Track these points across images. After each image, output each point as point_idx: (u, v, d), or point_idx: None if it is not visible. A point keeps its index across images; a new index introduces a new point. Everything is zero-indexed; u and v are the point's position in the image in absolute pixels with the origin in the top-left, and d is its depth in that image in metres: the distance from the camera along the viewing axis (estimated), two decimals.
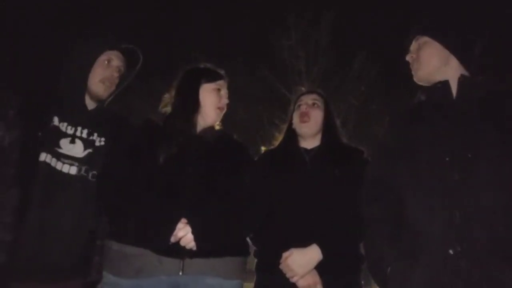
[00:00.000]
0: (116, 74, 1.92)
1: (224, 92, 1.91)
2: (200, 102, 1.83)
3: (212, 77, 1.89)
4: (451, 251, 1.44)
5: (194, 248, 1.58)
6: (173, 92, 1.89)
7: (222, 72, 1.94)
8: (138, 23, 11.43)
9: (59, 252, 1.69)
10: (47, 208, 1.70)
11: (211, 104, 1.85)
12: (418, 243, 1.51)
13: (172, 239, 1.57)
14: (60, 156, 1.76)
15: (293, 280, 1.79)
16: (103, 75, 1.88)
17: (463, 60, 1.67)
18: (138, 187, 1.63)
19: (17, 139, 1.71)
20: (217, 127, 1.92)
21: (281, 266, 1.81)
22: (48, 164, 1.73)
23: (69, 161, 1.77)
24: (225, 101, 1.89)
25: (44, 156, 1.73)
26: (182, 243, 1.58)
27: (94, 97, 1.89)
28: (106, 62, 1.89)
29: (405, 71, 1.79)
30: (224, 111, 1.92)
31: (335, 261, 1.79)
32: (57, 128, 1.79)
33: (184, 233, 1.58)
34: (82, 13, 10.87)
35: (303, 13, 12.26)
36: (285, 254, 1.81)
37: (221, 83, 1.91)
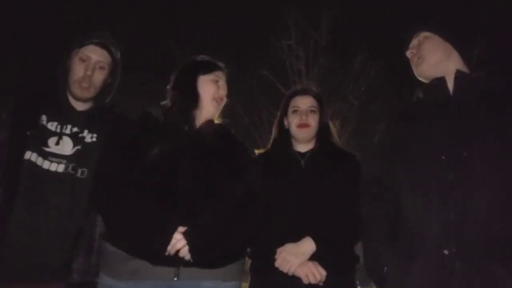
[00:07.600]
0: (91, 72, 1.81)
1: (222, 83, 1.84)
2: (199, 96, 1.78)
3: (209, 68, 1.83)
4: (446, 252, 1.44)
5: (192, 260, 1.53)
6: (171, 85, 1.83)
7: (220, 63, 1.88)
8: (138, 20, 11.39)
9: (44, 251, 1.65)
10: (32, 207, 1.67)
11: (208, 96, 1.78)
12: (415, 243, 1.51)
13: (169, 249, 1.51)
14: (47, 155, 1.72)
15: (291, 271, 1.75)
16: (77, 75, 1.81)
17: (463, 54, 1.67)
18: (133, 190, 1.57)
19: (5, 139, 1.68)
20: (216, 121, 1.86)
21: (277, 263, 1.78)
22: (34, 163, 1.69)
23: (57, 159, 1.73)
24: (222, 92, 1.83)
25: (29, 155, 1.69)
26: (180, 254, 1.52)
27: (76, 98, 1.84)
28: (80, 60, 1.82)
29: (406, 70, 1.78)
30: (222, 103, 1.85)
31: (330, 260, 1.77)
32: (45, 127, 1.75)
33: (182, 245, 1.51)
34: (75, 11, 10.81)
35: (303, 13, 12.25)
36: (279, 250, 1.79)
37: (219, 74, 1.84)
